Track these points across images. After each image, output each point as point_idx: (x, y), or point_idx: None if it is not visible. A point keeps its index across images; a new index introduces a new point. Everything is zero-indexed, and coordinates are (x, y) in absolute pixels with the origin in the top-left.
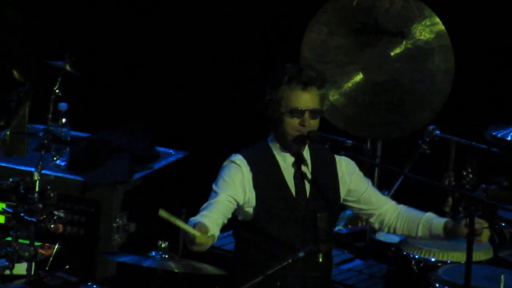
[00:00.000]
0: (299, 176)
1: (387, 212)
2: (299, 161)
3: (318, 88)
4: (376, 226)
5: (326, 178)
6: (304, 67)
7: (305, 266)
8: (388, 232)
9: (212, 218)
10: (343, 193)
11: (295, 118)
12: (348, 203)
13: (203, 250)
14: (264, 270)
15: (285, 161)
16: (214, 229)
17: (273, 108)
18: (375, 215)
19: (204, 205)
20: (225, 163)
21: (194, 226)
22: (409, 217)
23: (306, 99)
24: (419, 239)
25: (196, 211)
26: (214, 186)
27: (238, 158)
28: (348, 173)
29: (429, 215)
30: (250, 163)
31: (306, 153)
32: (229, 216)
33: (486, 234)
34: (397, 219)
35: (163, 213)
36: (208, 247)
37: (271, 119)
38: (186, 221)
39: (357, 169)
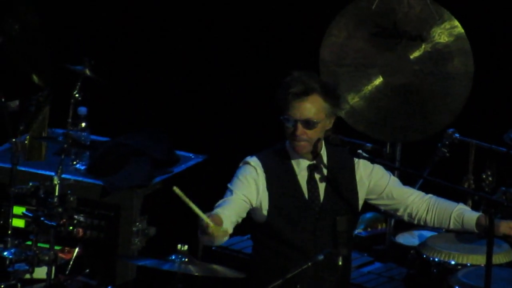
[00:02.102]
0: (312, 180)
1: (414, 204)
2: (313, 165)
3: (321, 97)
4: (405, 218)
5: (343, 181)
6: (307, 75)
7: (323, 269)
8: (419, 224)
9: (226, 215)
10: (362, 195)
11: (289, 127)
12: (371, 201)
13: (213, 244)
14: (283, 273)
15: (300, 164)
16: (228, 226)
17: (279, 112)
18: (400, 208)
19: (218, 202)
20: (240, 164)
21: (209, 215)
22: (440, 209)
23: (300, 108)
24: (441, 242)
25: None
26: (229, 185)
27: (253, 160)
28: (366, 175)
29: (461, 207)
30: (264, 165)
31: (323, 156)
32: (243, 215)
33: None
34: (427, 211)
35: (177, 190)
36: (219, 242)
37: None
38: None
39: (375, 167)
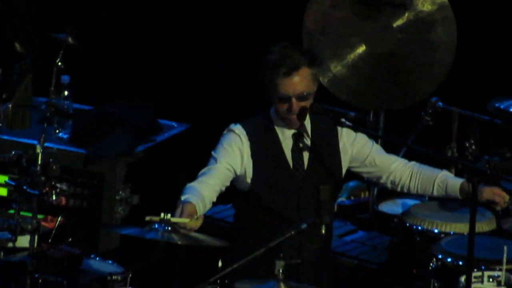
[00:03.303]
0: (297, 149)
1: (396, 171)
2: (297, 134)
3: (308, 67)
4: (389, 186)
5: (327, 150)
6: (289, 49)
7: (306, 238)
8: (402, 191)
9: (210, 185)
10: (345, 163)
11: (283, 103)
12: (354, 169)
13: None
14: (265, 241)
15: (284, 133)
16: (211, 196)
17: (266, 90)
18: (383, 176)
19: (202, 170)
20: (224, 132)
21: (182, 210)
22: (423, 176)
23: (292, 85)
24: (424, 210)
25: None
26: (213, 153)
27: (237, 128)
28: (349, 143)
29: (444, 174)
30: (248, 133)
31: (307, 125)
32: (227, 184)
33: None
34: (410, 178)
35: (149, 218)
36: (197, 227)
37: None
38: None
39: (358, 135)
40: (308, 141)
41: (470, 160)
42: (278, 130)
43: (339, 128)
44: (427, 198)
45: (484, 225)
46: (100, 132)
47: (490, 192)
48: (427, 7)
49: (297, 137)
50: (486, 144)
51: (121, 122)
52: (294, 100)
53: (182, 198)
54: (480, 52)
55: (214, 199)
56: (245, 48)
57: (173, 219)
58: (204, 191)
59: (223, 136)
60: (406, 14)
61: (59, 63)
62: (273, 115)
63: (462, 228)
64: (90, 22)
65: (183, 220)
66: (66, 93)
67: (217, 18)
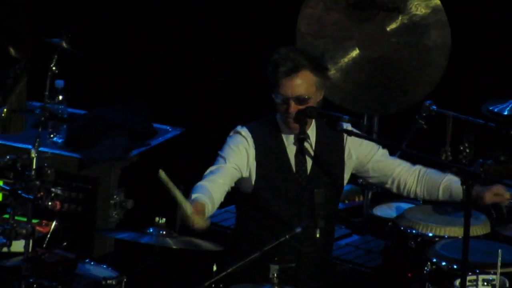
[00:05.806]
0: (300, 154)
1: (401, 176)
2: (300, 139)
3: (311, 72)
4: (394, 191)
5: (331, 155)
6: (293, 51)
7: (302, 242)
8: (408, 196)
9: (220, 184)
10: (349, 169)
11: (282, 104)
12: (358, 174)
13: (197, 230)
14: (261, 245)
15: (289, 137)
16: (219, 197)
17: (271, 90)
18: (388, 181)
19: (211, 169)
20: (231, 134)
21: (192, 202)
22: (429, 181)
23: (291, 86)
24: (418, 214)
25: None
26: (220, 153)
27: (244, 130)
28: (354, 148)
29: (449, 178)
30: (254, 136)
31: (312, 130)
32: (233, 184)
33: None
34: (416, 183)
35: (162, 174)
36: (202, 228)
37: None
38: (188, 192)
39: (364, 142)
40: (313, 147)
41: (464, 163)
42: (284, 135)
43: (345, 134)
44: (421, 202)
45: (478, 229)
46: (94, 136)
47: (490, 196)
48: (420, 10)
49: (302, 142)
50: (481, 147)
51: (116, 126)
52: (292, 102)
53: (193, 196)
54: (474, 55)
55: (222, 200)
56: (239, 52)
57: (183, 202)
58: (213, 191)
59: (230, 137)
60: (400, 18)
61: (54, 68)
62: (280, 120)
63: (457, 231)
64: (85, 26)
65: (189, 207)
66: (60, 97)
67: (210, 22)
